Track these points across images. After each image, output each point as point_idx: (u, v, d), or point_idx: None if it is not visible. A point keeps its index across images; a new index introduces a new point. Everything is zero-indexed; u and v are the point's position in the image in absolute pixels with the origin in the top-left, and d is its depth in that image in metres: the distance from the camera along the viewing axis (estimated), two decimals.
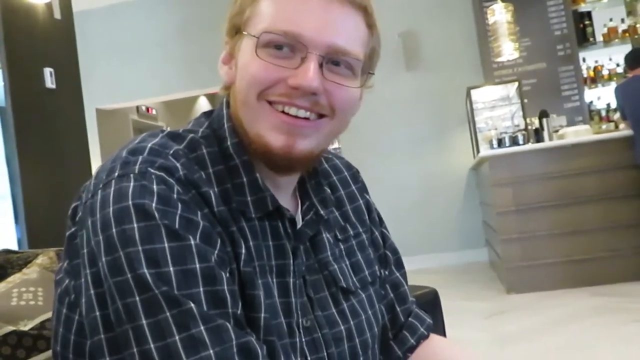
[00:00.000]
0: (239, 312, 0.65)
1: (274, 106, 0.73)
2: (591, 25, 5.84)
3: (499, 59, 5.25)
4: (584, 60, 5.87)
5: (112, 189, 0.66)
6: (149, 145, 0.70)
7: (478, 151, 5.20)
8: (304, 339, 0.76)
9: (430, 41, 6.02)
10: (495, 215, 4.34)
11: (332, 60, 0.73)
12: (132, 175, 0.66)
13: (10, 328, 0.94)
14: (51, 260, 1.16)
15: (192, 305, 0.61)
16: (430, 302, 1.63)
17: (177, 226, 0.64)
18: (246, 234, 0.73)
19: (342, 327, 0.80)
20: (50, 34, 3.88)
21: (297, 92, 0.71)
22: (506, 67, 5.81)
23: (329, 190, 0.88)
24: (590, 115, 5.80)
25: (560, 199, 4.22)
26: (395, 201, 5.84)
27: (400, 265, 0.96)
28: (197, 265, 0.63)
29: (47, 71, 3.77)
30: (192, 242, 0.64)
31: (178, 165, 0.69)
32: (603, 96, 6.04)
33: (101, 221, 0.65)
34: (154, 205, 0.64)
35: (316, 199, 0.84)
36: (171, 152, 0.70)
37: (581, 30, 5.81)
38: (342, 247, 0.86)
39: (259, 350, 0.64)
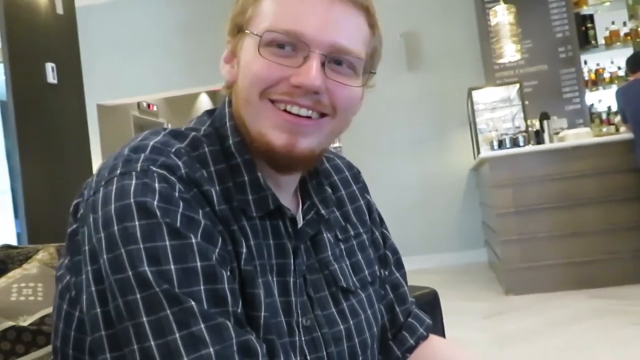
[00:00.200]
0: (239, 310, 0.66)
1: (276, 105, 0.73)
2: (593, 28, 5.84)
3: (501, 61, 5.25)
4: (585, 62, 5.87)
5: (114, 186, 0.66)
6: (151, 143, 0.70)
7: (478, 152, 5.20)
8: (303, 338, 0.76)
9: (432, 42, 6.02)
10: (495, 217, 4.34)
11: (334, 59, 0.73)
12: (134, 173, 0.66)
13: (10, 323, 0.94)
14: (51, 256, 1.16)
15: (193, 303, 0.61)
16: (430, 303, 1.63)
17: (178, 224, 0.64)
18: (247, 232, 0.73)
19: (342, 327, 0.80)
20: (53, 29, 3.88)
21: (299, 90, 0.71)
22: (508, 69, 5.81)
23: (330, 190, 0.88)
24: (591, 117, 5.80)
25: (560, 201, 4.21)
26: (396, 201, 5.84)
27: (400, 266, 0.96)
28: (198, 264, 0.63)
29: (49, 66, 3.77)
30: (193, 240, 0.64)
31: (180, 163, 0.69)
32: (604, 99, 6.04)
33: (103, 218, 0.65)
34: (155, 203, 0.64)
35: (317, 199, 0.84)
36: (173, 150, 0.70)
37: (583, 32, 5.80)
38: (342, 247, 0.86)
39: (259, 349, 0.64)
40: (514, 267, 4.26)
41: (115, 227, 0.63)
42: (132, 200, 0.64)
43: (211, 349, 0.60)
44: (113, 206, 0.64)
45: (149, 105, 8.03)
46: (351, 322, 0.82)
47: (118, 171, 0.67)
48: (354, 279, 0.85)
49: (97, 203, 0.66)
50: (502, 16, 4.95)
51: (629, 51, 5.27)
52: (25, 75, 3.60)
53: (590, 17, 5.86)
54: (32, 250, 1.17)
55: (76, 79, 4.07)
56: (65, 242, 0.74)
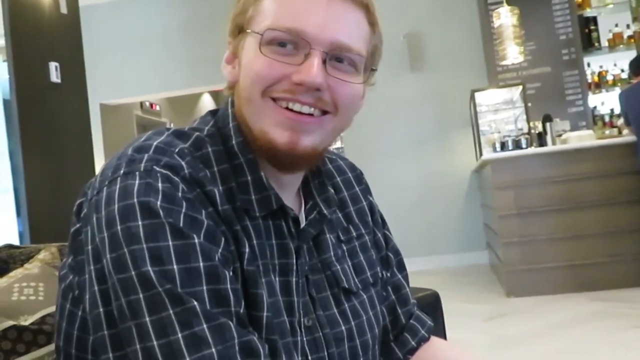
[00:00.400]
0: (241, 310, 0.66)
1: (278, 103, 0.73)
2: (596, 30, 5.84)
3: (504, 62, 5.25)
4: (588, 65, 5.86)
5: (118, 186, 0.66)
6: (155, 143, 0.70)
7: (481, 154, 5.20)
8: (305, 338, 0.76)
9: (435, 43, 6.02)
10: (497, 218, 4.34)
11: (335, 56, 0.73)
12: (137, 173, 0.66)
13: (11, 323, 0.94)
14: (53, 256, 1.17)
15: (195, 303, 0.61)
16: (431, 305, 1.63)
17: (181, 224, 0.64)
18: (250, 232, 0.74)
19: (343, 327, 0.81)
20: (56, 29, 3.88)
21: (301, 88, 0.72)
22: (510, 71, 5.81)
23: (332, 191, 0.88)
24: (594, 120, 5.80)
25: (562, 204, 4.21)
26: (397, 202, 5.84)
27: (402, 267, 0.96)
28: (201, 264, 0.63)
29: (53, 65, 3.77)
30: (196, 240, 0.64)
31: (183, 163, 0.69)
32: (607, 101, 6.04)
33: (106, 218, 0.65)
34: (158, 203, 0.64)
35: (320, 199, 0.84)
36: (176, 150, 0.70)
37: (586, 35, 5.80)
38: (344, 248, 0.87)
39: (261, 349, 0.64)
40: (515, 269, 4.26)
41: (119, 227, 0.63)
42: (135, 200, 0.64)
43: (213, 349, 0.60)
44: (116, 206, 0.64)
45: (151, 105, 8.04)
46: (353, 323, 0.82)
47: (121, 171, 0.67)
48: (356, 280, 0.85)
49: (101, 203, 0.66)
50: (505, 18, 4.95)
51: (632, 54, 5.27)
52: (29, 75, 3.60)
53: (594, 19, 5.85)
54: (34, 250, 1.18)
55: (79, 79, 4.08)
56: (68, 241, 0.74)
